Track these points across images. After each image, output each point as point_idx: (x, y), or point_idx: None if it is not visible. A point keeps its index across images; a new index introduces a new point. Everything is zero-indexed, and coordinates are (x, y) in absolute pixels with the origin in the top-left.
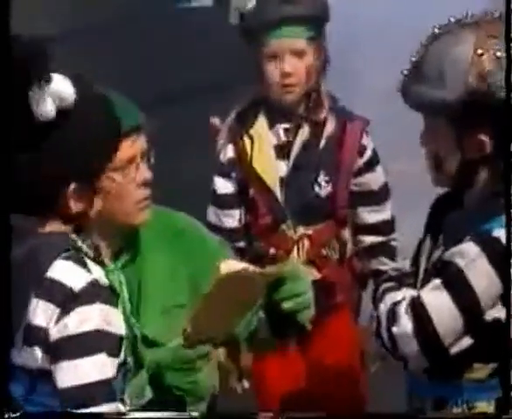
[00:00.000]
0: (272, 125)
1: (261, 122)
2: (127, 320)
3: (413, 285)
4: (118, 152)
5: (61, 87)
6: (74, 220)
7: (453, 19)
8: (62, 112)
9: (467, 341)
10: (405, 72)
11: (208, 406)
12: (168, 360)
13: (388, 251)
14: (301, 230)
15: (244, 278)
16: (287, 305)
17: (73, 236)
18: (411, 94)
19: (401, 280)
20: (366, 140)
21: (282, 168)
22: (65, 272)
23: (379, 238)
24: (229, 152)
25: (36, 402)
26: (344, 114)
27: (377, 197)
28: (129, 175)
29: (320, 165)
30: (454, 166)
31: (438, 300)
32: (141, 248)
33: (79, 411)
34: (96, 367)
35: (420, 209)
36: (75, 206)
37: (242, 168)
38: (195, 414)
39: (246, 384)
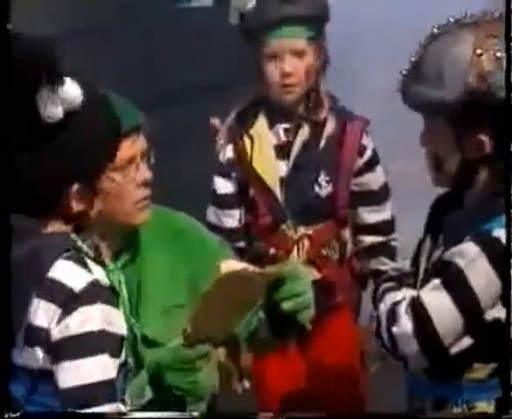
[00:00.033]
0: (272, 125)
1: (261, 122)
2: (127, 320)
3: (413, 285)
4: (118, 152)
5: (70, 90)
6: (75, 220)
7: (452, 19)
8: (66, 113)
9: (467, 341)
10: (404, 72)
11: (208, 406)
12: (168, 360)
13: (388, 251)
14: (301, 230)
15: (244, 277)
16: (286, 305)
17: (74, 236)
18: (410, 94)
19: (401, 280)
20: (366, 140)
21: (282, 168)
22: (66, 273)
23: (379, 238)
24: (229, 152)
25: (37, 403)
26: (344, 114)
27: (377, 197)
28: (129, 175)
29: (320, 165)
30: (454, 166)
31: (438, 300)
32: (141, 248)
33: (80, 411)
34: (98, 368)
35: (420, 209)
36: (77, 206)
37: (242, 168)
38: (195, 414)
39: (246, 384)
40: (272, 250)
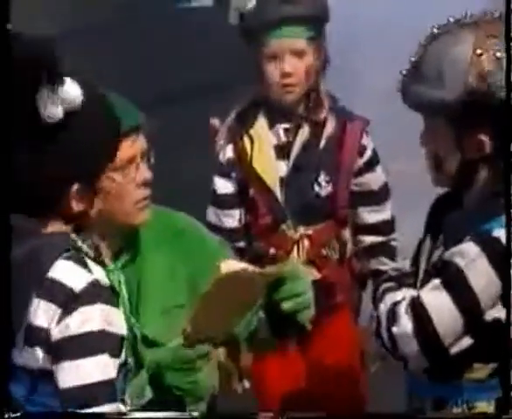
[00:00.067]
0: (272, 125)
1: (261, 122)
2: (127, 320)
3: (413, 285)
4: (118, 152)
5: (70, 90)
6: (75, 220)
7: (452, 19)
8: (66, 113)
9: (466, 341)
10: (404, 72)
11: (208, 406)
12: (168, 360)
13: (388, 251)
14: (301, 230)
15: (244, 277)
16: (286, 305)
17: (74, 236)
18: (410, 94)
19: (401, 280)
20: (366, 140)
21: (282, 168)
22: (66, 273)
23: (379, 238)
24: (229, 152)
25: (37, 403)
26: (344, 114)
27: (377, 197)
28: (129, 175)
29: (320, 165)
30: (454, 166)
31: (438, 300)
32: (141, 248)
33: (80, 411)
34: (98, 368)
35: (420, 209)
36: (77, 206)
37: (242, 168)
38: (195, 414)
39: (246, 384)
40: (272, 251)
